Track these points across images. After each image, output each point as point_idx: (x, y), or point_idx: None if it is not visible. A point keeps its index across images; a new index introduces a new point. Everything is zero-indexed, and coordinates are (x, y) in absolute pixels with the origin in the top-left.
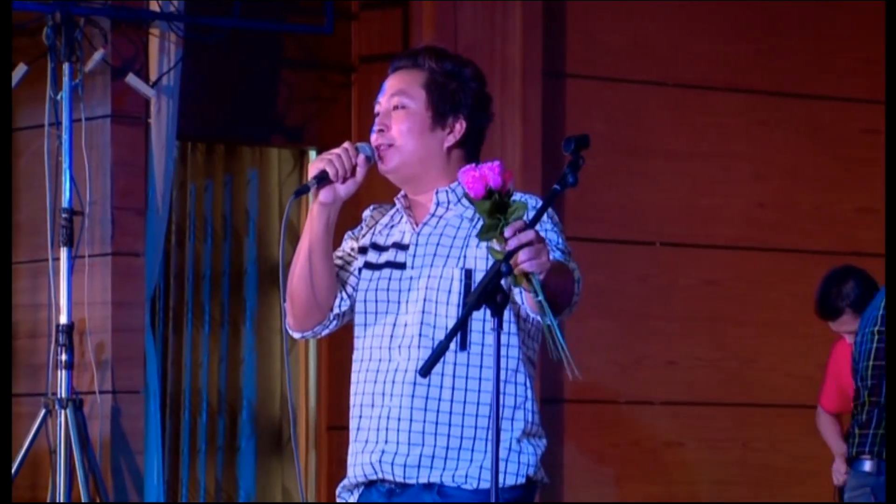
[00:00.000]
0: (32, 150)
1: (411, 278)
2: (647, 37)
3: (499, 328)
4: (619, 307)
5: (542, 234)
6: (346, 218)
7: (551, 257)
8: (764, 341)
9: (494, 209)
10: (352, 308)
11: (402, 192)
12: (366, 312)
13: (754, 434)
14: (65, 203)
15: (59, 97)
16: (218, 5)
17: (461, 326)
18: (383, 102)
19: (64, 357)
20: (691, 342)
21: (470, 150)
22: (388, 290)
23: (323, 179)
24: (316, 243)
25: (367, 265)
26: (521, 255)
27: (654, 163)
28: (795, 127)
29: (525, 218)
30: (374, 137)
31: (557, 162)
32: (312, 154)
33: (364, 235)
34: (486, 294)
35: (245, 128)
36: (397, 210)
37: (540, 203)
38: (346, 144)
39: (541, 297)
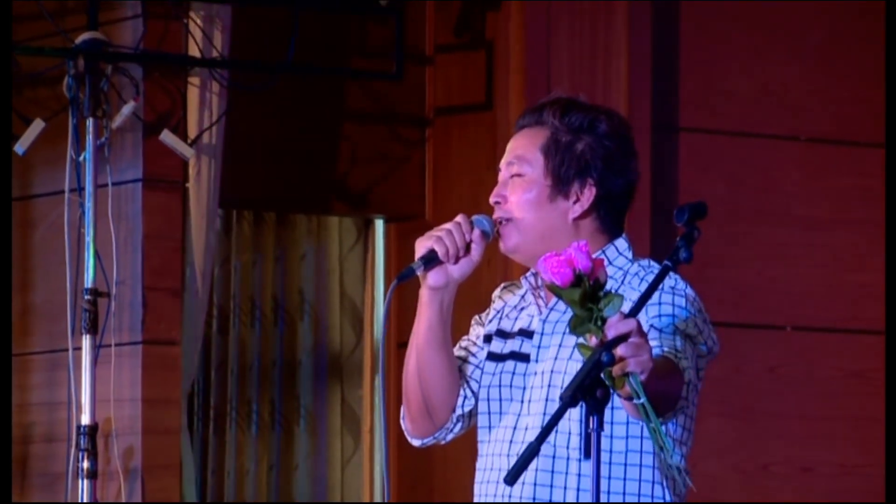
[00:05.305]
0: (50, 220)
1: (535, 373)
2: (779, 82)
3: (599, 428)
4: (744, 404)
5: (679, 320)
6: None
7: (660, 351)
8: None
9: (586, 298)
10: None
11: (532, 270)
12: (489, 413)
13: None
14: (88, 283)
15: (81, 158)
16: (268, 49)
17: (553, 426)
18: (503, 170)
19: (86, 464)
20: (831, 446)
21: (604, 219)
22: (511, 386)
23: (431, 260)
24: (428, 334)
25: (491, 356)
26: (620, 351)
27: (787, 232)
28: None
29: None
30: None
31: (670, 233)
32: (379, 224)
33: (491, 321)
34: (584, 388)
35: (299, 193)
36: (528, 290)
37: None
38: (459, 218)
39: (643, 400)
